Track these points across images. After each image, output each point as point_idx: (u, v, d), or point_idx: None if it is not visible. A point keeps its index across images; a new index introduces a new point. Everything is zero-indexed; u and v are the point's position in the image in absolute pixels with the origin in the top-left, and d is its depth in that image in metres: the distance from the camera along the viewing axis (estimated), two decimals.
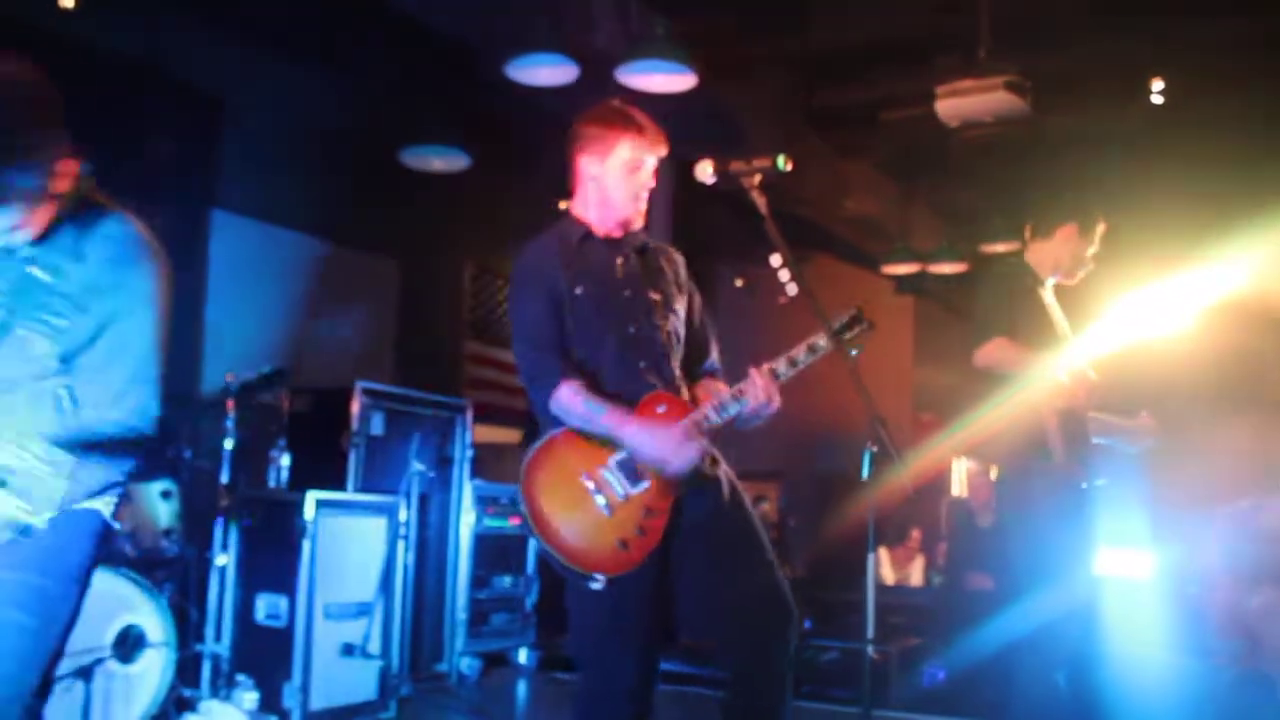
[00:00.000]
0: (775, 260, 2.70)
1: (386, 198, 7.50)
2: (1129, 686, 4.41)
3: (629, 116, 2.91)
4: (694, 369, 3.00)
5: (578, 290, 2.81)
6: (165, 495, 4.50)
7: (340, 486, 5.47)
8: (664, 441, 2.64)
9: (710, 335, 3.07)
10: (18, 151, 1.86)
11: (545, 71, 5.70)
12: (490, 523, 6.23)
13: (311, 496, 4.81)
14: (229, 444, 4.85)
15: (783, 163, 2.63)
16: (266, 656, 4.72)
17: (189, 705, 4.44)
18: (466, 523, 6.11)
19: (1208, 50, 6.46)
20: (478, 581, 6.20)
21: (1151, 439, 3.95)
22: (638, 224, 2.93)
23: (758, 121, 7.31)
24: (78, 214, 2.08)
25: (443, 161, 7.03)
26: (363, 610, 4.96)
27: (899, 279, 10.02)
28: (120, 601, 4.06)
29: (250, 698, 4.60)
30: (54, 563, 1.99)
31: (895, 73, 7.00)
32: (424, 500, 5.74)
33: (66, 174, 1.98)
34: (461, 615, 6.10)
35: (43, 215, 2.00)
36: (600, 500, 2.63)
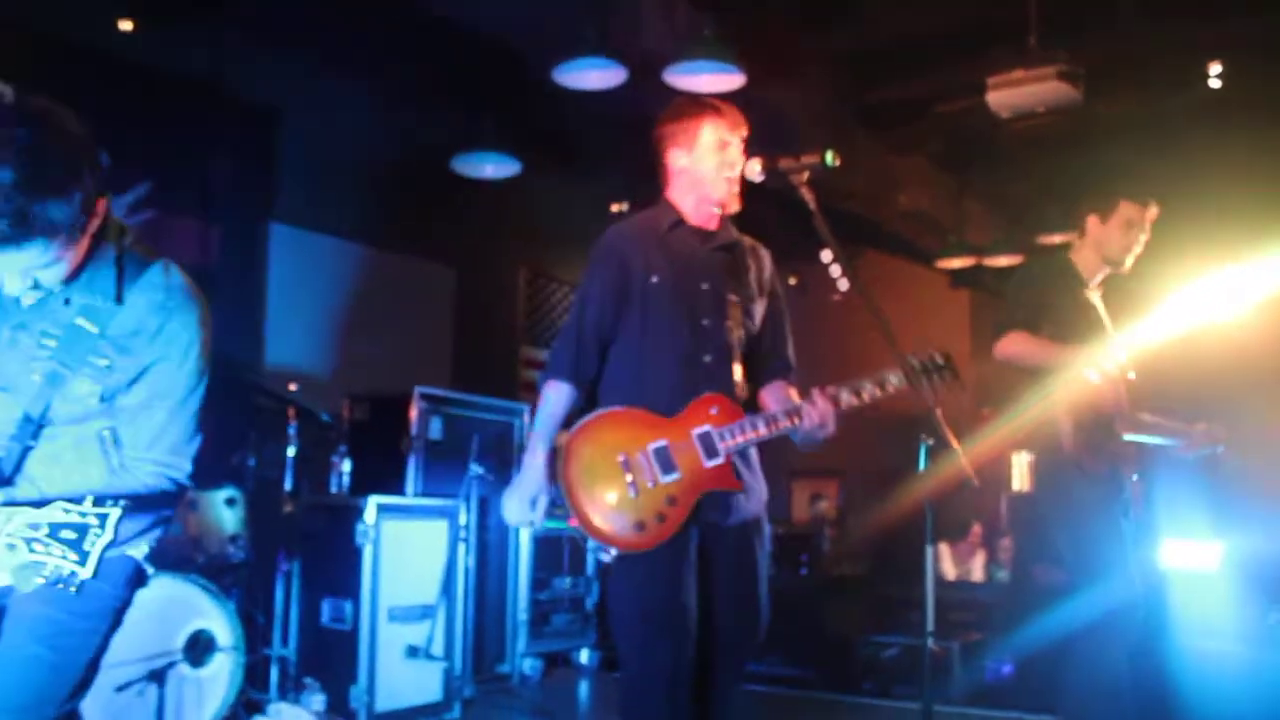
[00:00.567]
0: (826, 256, 2.71)
1: (440, 206, 7.59)
2: (1196, 679, 4.35)
3: (706, 101, 3.03)
4: (764, 370, 3.02)
5: (654, 279, 2.87)
6: (230, 502, 4.58)
7: (400, 491, 5.55)
8: (513, 491, 2.80)
9: (786, 336, 3.10)
10: (50, 184, 1.82)
11: (594, 75, 5.73)
12: (550, 524, 6.27)
13: (373, 501, 4.87)
14: (291, 451, 4.95)
15: (831, 158, 2.65)
16: (332, 659, 4.80)
17: (258, 708, 4.53)
18: None
19: (1268, 29, 6.32)
20: (538, 583, 6.27)
21: (1211, 448, 3.87)
22: (733, 207, 2.97)
23: (806, 118, 7.27)
24: (120, 261, 2.08)
25: (494, 168, 7.09)
26: (426, 613, 5.03)
27: (954, 273, 9.91)
28: (190, 607, 4.16)
29: (318, 700, 4.69)
30: (84, 604, 2.01)
31: (946, 65, 6.92)
32: (483, 503, 5.79)
33: (100, 213, 1.96)
34: (523, 616, 6.16)
35: (77, 253, 1.97)
36: (629, 479, 2.70)
